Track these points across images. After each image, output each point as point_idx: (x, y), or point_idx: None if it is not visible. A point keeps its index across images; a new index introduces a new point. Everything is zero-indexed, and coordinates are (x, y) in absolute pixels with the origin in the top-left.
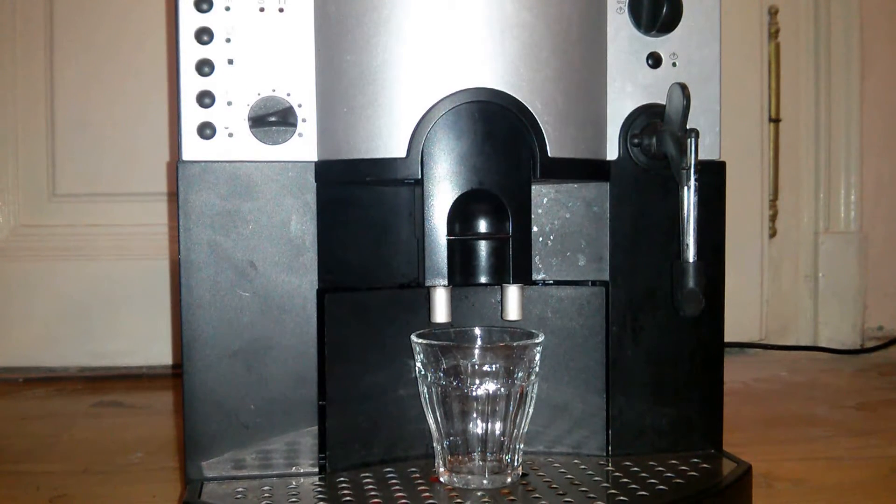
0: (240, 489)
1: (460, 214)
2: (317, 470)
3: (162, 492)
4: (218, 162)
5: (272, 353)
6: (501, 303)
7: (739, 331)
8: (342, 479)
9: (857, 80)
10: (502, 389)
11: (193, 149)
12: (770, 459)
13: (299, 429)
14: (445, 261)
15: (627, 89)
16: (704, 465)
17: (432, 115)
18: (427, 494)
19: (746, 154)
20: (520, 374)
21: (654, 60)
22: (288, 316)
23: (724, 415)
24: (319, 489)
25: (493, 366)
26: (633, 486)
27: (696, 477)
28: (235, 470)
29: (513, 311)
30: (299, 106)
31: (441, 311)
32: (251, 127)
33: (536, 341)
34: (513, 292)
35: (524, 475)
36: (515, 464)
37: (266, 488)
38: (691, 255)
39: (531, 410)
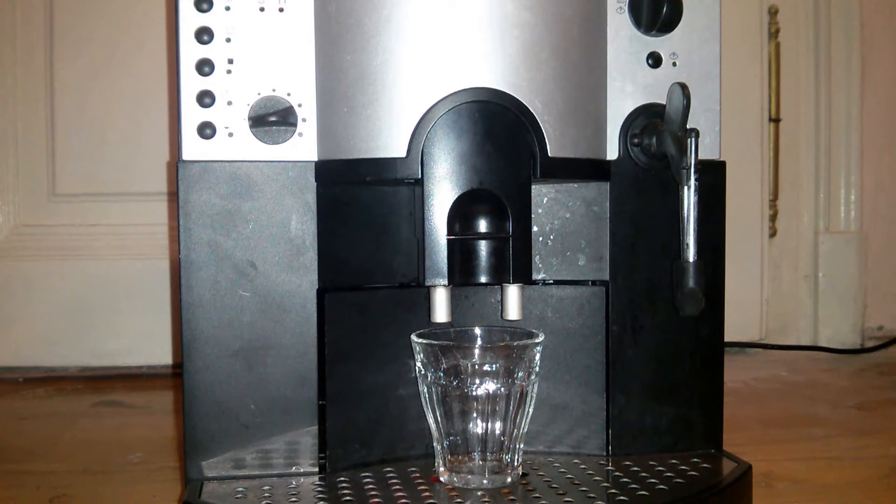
0: (240, 489)
1: (460, 214)
2: (317, 470)
3: (162, 491)
4: (218, 162)
5: (272, 352)
6: (501, 302)
7: (739, 330)
8: (342, 478)
9: (857, 79)
10: (502, 389)
11: (193, 148)
12: (770, 459)
13: (299, 428)
14: (445, 260)
15: (627, 89)
16: (705, 465)
17: (432, 114)
18: (427, 494)
19: (746, 154)
20: (520, 374)
21: (655, 60)
22: (288, 316)
23: (724, 414)
24: (319, 489)
25: (493, 365)
26: (634, 485)
27: (696, 477)
28: (235, 469)
29: (513, 311)
30: (299, 106)
31: (441, 310)
32: (251, 127)
33: (536, 341)
34: (513, 292)
35: (524, 475)
36: (515, 463)
37: (266, 488)
38: (691, 254)
39: (531, 410)
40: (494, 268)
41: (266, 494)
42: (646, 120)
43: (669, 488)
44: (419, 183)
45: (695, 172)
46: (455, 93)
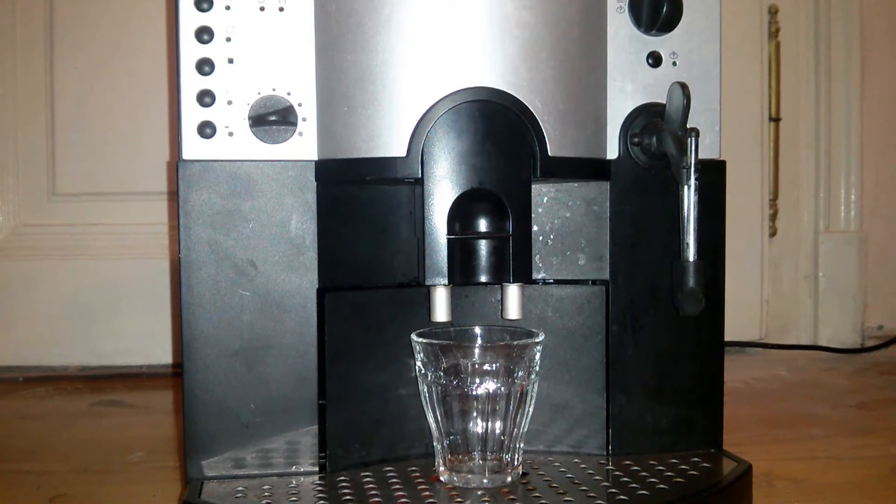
0: (240, 488)
1: (460, 213)
2: (317, 469)
3: (162, 491)
4: (218, 161)
5: (272, 352)
6: (501, 302)
7: (739, 330)
8: (342, 478)
9: (857, 79)
10: (502, 388)
11: (194, 148)
12: (770, 459)
13: (299, 428)
14: (445, 260)
15: (627, 88)
16: (705, 465)
17: (432, 114)
18: (427, 494)
19: (746, 153)
20: (520, 374)
21: (655, 59)
22: (288, 315)
23: (724, 414)
24: (319, 488)
25: (494, 365)
26: (634, 485)
27: (696, 476)
28: (235, 469)
29: (513, 311)
30: (299, 105)
31: (441, 310)
32: (251, 126)
33: (536, 340)
34: (513, 291)
35: (524, 474)
36: (515, 463)
37: (266, 487)
38: (691, 254)
39: (531, 409)
40: (494, 267)
41: (266, 494)
42: (646, 119)
43: (669, 488)
44: (419, 182)
45: (695, 172)
46: (455, 92)
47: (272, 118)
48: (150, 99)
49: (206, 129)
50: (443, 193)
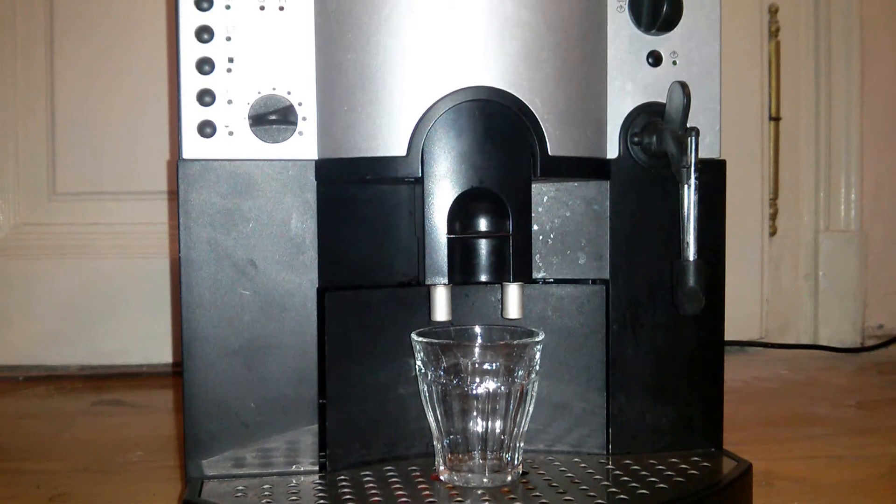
0: (240, 488)
1: (461, 213)
2: (317, 468)
3: (162, 490)
4: (218, 160)
5: (272, 351)
6: (501, 301)
7: (739, 329)
8: (342, 477)
9: (858, 78)
10: (502, 388)
11: (194, 147)
12: (770, 458)
13: (299, 427)
14: (446, 259)
15: (628, 88)
16: (705, 464)
17: (433, 113)
18: (427, 493)
19: (747, 153)
20: (520, 373)
21: (655, 59)
22: (288, 314)
23: (724, 413)
24: (320, 488)
25: (494, 364)
26: (634, 484)
27: (696, 475)
28: (236, 468)
29: (513, 310)
30: (299, 104)
31: (441, 309)
32: (251, 125)
33: (536, 340)
34: (513, 291)
35: (524, 473)
36: (515, 462)
37: (266, 487)
38: (691, 253)
39: (531, 409)
40: (494, 266)
41: (266, 493)
42: (646, 119)
43: (669, 487)
44: (419, 182)
45: (695, 171)
46: (455, 91)
47: (272, 117)
48: (150, 98)
49: (207, 129)
50: (443, 193)
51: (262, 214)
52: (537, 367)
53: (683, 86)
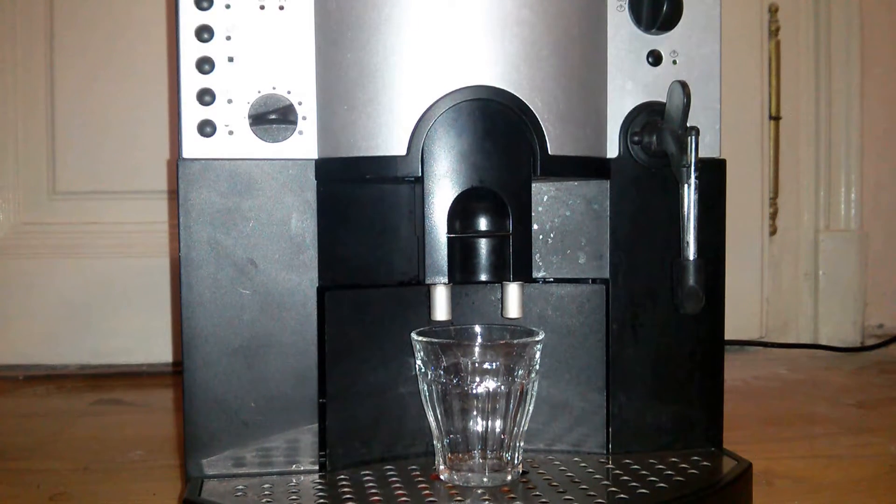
0: (240, 487)
1: (460, 212)
2: (317, 468)
3: (162, 490)
4: (218, 160)
5: (272, 350)
6: (501, 300)
7: (739, 329)
8: (342, 476)
9: (858, 77)
10: (502, 387)
11: (194, 146)
12: (770, 457)
13: (299, 426)
14: (446, 258)
15: (628, 87)
16: (705, 463)
17: (433, 112)
18: (427, 492)
19: (747, 152)
20: (520, 372)
21: (655, 58)
22: (288, 314)
23: (724, 412)
24: (319, 487)
25: (494, 363)
26: (634, 483)
27: (696, 475)
28: (236, 468)
29: (513, 309)
30: (299, 104)
31: (441, 308)
32: (251, 125)
33: (536, 339)
34: (513, 290)
35: (524, 473)
36: (516, 462)
37: (266, 486)
38: (691, 252)
39: (531, 408)
40: (494, 266)
41: (266, 492)
42: (646, 118)
43: (669, 486)
44: (419, 181)
45: (695, 171)
46: (455, 91)
47: (272, 117)
48: (150, 97)
49: (207, 128)
50: (443, 192)
51: (262, 214)
52: (537, 367)
53: (683, 85)
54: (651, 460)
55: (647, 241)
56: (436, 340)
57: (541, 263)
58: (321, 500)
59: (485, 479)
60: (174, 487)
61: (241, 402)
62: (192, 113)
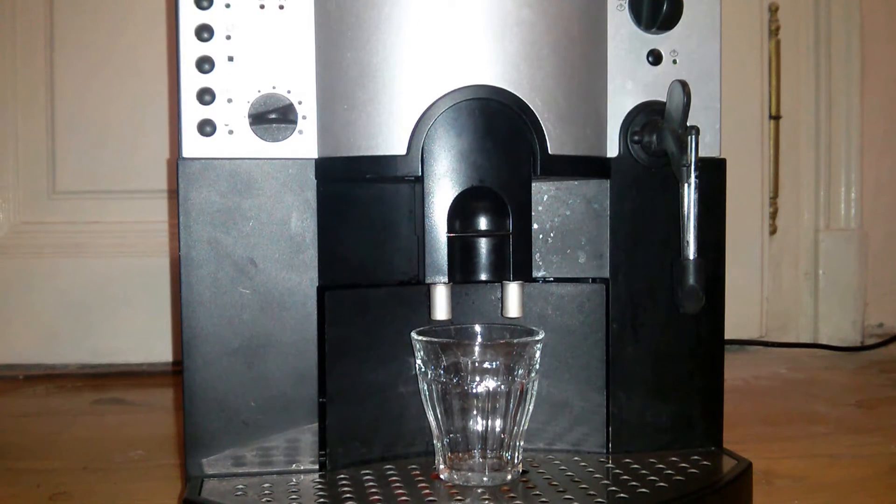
0: (240, 486)
1: (460, 211)
2: (317, 467)
3: (162, 489)
4: (218, 159)
5: (272, 350)
6: (501, 300)
7: (739, 328)
8: (342, 476)
9: (858, 77)
10: (502, 387)
11: (194, 146)
12: (770, 457)
13: (299, 426)
14: (446, 258)
15: (628, 86)
16: (705, 463)
17: (433, 112)
18: (427, 492)
19: (747, 151)
20: (520, 372)
21: (655, 57)
22: (288, 313)
23: (724, 412)
24: (320, 486)
25: (494, 363)
26: (634, 483)
27: (696, 474)
28: (236, 467)
29: (513, 309)
30: (299, 103)
31: (441, 308)
32: (251, 124)
33: (536, 338)
34: (513, 289)
35: (524, 472)
36: (516, 461)
37: (266, 485)
38: (692, 252)
39: (531, 408)
40: (495, 265)
41: (266, 492)
42: (646, 117)
43: (669, 486)
44: (419, 180)
45: (695, 170)
46: (455, 90)
47: (272, 116)
48: (150, 97)
49: (206, 127)
50: (443, 191)
51: (262, 213)
52: (537, 366)
53: (683, 84)
54: (651, 459)
55: (647, 241)
56: (436, 340)
57: (541, 263)
58: (321, 500)
59: (485, 479)
60: (174, 487)
61: (241, 401)
62: (191, 112)
